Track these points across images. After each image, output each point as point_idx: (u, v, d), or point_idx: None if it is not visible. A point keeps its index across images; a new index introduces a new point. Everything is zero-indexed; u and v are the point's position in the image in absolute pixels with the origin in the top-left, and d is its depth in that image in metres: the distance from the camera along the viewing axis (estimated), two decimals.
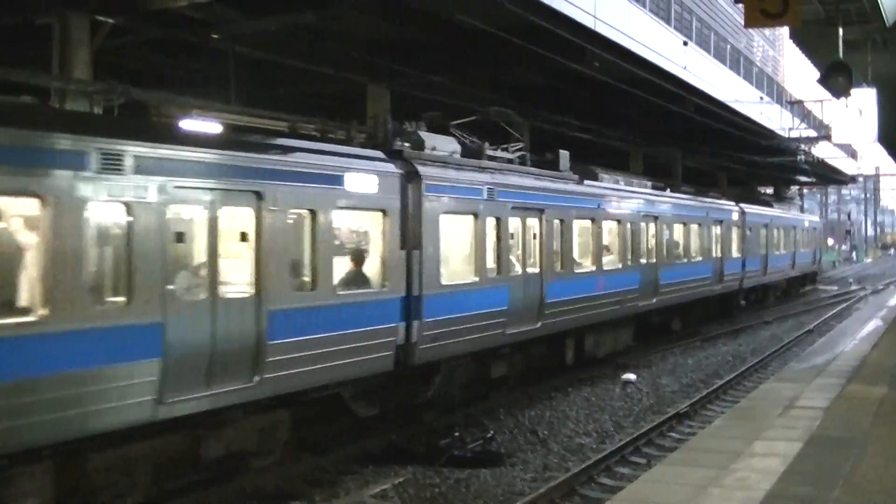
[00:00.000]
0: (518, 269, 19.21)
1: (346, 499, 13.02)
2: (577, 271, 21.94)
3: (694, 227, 31.63)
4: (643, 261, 26.37)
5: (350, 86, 26.82)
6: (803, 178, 67.15)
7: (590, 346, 23.18)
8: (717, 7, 53.49)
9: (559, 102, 32.96)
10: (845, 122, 41.76)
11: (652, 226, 27.49)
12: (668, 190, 33.31)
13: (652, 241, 27.50)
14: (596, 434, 17.37)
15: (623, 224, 24.97)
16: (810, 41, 22.36)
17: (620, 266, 24.54)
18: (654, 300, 26.92)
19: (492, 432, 16.37)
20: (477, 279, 17.56)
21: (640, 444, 16.30)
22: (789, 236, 46.86)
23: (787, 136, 46.11)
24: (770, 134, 43.87)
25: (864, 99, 28.40)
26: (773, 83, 49.31)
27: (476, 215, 17.58)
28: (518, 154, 21.78)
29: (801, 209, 76.72)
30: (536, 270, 19.88)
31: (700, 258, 31.89)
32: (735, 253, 36.21)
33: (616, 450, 15.62)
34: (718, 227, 34.20)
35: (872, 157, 71.87)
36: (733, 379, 22.74)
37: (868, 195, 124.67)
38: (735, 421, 13.36)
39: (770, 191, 73.40)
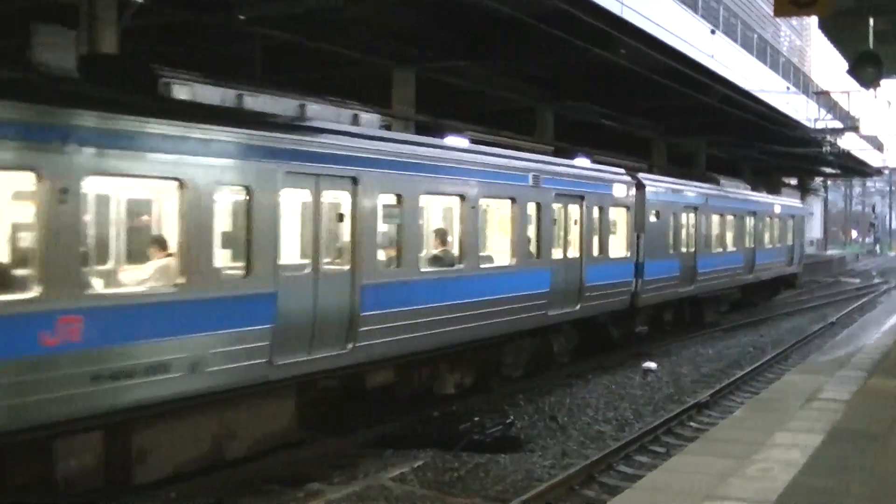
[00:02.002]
0: None
1: (364, 481, 13.04)
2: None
3: (499, 206, 18.70)
4: (303, 272, 13.18)
5: (376, 71, 26.85)
6: (828, 170, 66.88)
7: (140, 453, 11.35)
8: None
9: (587, 91, 32.95)
10: (873, 114, 40.68)
11: (362, 202, 14.05)
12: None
13: (347, 232, 13.94)
14: (615, 422, 17.34)
15: (255, 198, 12.24)
16: (839, 31, 22.17)
17: (210, 285, 11.71)
18: (348, 348, 13.73)
19: (511, 418, 16.34)
20: None
21: (659, 432, 16.25)
22: (743, 226, 34.06)
23: (812, 126, 45.89)
24: (795, 124, 43.69)
25: (894, 90, 28.19)
26: (800, 73, 49.08)
27: None
28: None
29: (823, 201, 76.08)
30: None
31: (513, 262, 18.30)
32: (621, 251, 23.45)
33: (635, 438, 15.58)
34: (574, 209, 20.82)
35: None
36: (754, 370, 22.66)
37: (893, 188, 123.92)
38: (756, 412, 13.31)
39: (794, 181, 73.35)
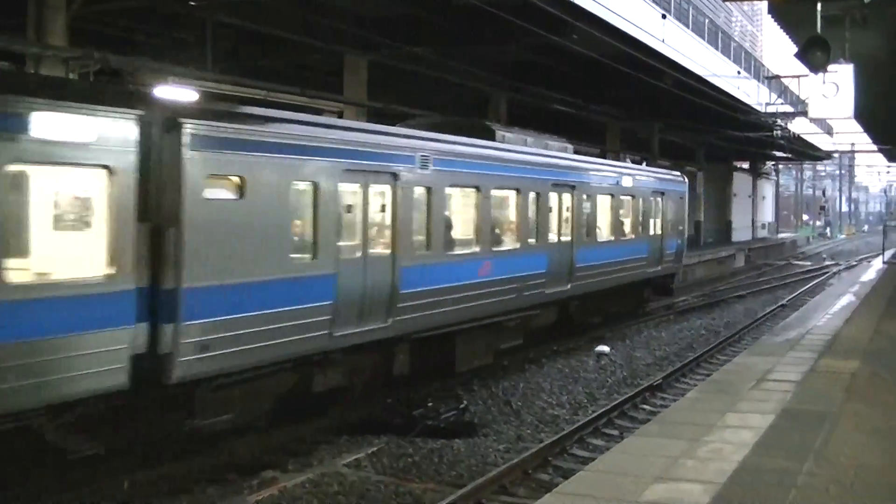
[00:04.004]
0: None
1: (319, 468, 13.04)
2: None
3: None
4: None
5: (333, 57, 26.76)
6: (779, 154, 67.48)
7: None
8: None
9: (541, 77, 33.01)
10: (822, 98, 40.50)
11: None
12: None
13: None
14: (569, 405, 17.43)
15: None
16: (789, 16, 22.36)
17: None
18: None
19: (465, 403, 16.40)
20: None
21: (613, 415, 16.35)
22: (545, 209, 21.15)
23: (763, 111, 46.22)
24: (747, 109, 43.98)
25: (842, 75, 28.32)
26: (751, 58, 49.38)
27: None
28: None
29: (779, 181, 76.15)
30: None
31: None
32: (80, 267, 10.88)
33: (589, 421, 15.67)
34: None
35: (848, 133, 71.97)
36: (707, 352, 22.84)
37: (843, 172, 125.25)
38: (708, 393, 13.44)
39: (746, 165, 73.93)
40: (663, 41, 30.04)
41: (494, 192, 18.98)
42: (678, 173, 33.57)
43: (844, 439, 10.43)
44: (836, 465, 9.39)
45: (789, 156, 70.40)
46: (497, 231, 19.35)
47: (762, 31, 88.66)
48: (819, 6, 18.24)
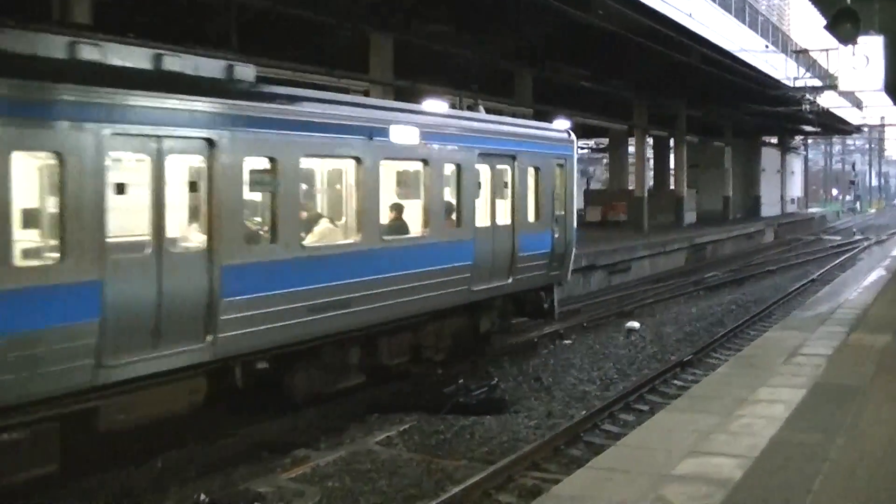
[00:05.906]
0: None
1: (351, 446, 13.09)
2: None
3: None
4: None
5: (354, 39, 26.77)
6: (808, 128, 67.08)
7: None
8: None
9: (565, 54, 32.91)
10: (852, 70, 39.45)
11: None
12: None
13: None
14: (600, 381, 17.42)
15: None
16: None
17: None
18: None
19: (496, 380, 16.41)
20: None
21: (643, 391, 16.32)
22: (94, 186, 9.65)
23: (792, 85, 45.91)
24: (775, 83, 43.71)
25: (871, 47, 27.62)
26: (779, 32, 49.06)
27: None
28: None
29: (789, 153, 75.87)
30: None
31: None
32: None
33: (620, 397, 15.66)
34: None
35: (877, 107, 71.29)
36: (737, 327, 22.75)
37: (872, 145, 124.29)
38: (739, 368, 13.38)
39: (774, 140, 73.45)
40: (690, 15, 29.86)
41: None
42: (559, 128, 21.39)
43: (875, 414, 10.38)
44: (868, 440, 9.36)
45: (818, 130, 69.97)
46: None
47: (789, 5, 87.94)
48: None
